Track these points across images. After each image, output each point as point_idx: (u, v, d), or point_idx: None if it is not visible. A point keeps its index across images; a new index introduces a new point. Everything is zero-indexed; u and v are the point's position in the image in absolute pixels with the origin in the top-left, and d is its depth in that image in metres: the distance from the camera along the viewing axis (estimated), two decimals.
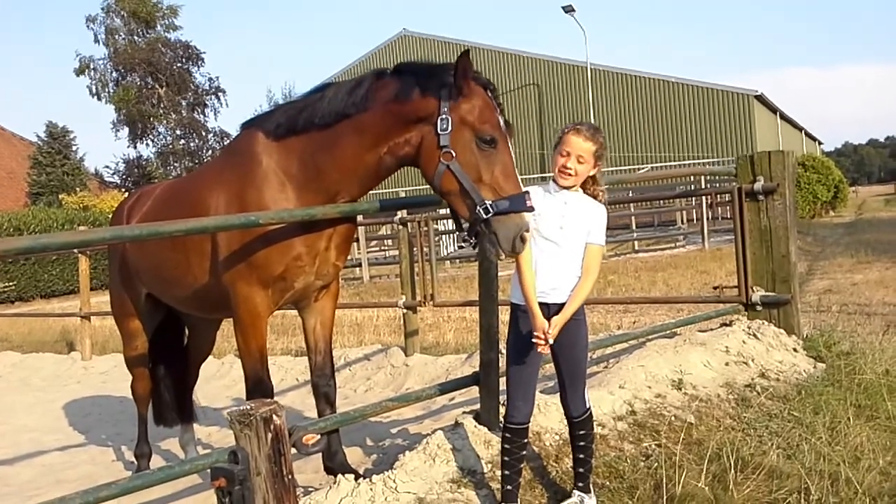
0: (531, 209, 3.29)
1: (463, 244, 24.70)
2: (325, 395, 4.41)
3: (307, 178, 3.88)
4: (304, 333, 4.49)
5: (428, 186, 3.64)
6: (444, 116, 3.43)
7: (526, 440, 3.51)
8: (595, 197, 3.44)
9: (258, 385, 4.21)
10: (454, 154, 3.41)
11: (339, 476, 3.63)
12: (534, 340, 3.28)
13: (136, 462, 5.46)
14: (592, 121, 33.63)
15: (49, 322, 15.55)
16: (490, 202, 3.29)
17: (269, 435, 2.13)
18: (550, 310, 3.34)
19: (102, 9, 46.09)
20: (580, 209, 3.37)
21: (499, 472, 3.75)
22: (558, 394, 3.64)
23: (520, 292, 3.40)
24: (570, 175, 3.33)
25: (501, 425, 3.56)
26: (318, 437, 3.43)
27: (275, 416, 2.15)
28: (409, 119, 3.57)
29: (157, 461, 5.61)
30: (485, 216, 3.29)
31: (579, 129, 3.36)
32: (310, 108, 3.84)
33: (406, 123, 3.58)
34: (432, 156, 3.49)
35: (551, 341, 3.28)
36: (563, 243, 3.33)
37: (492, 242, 3.31)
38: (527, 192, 3.33)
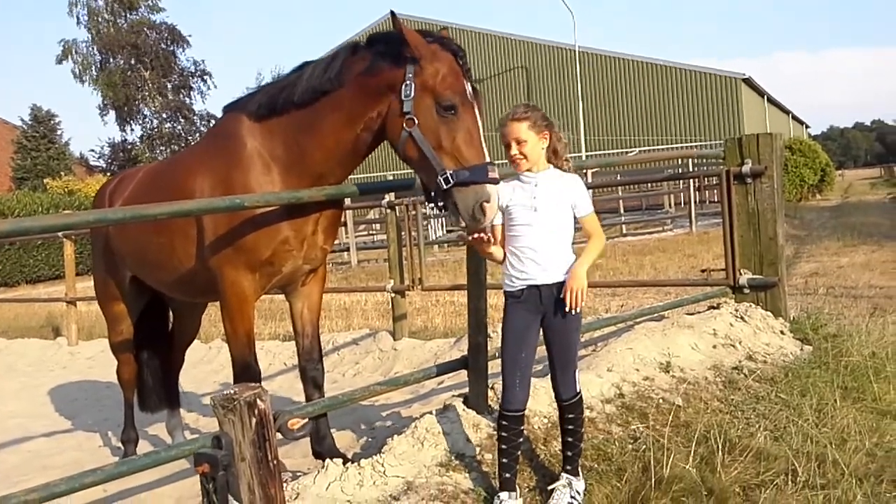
0: (495, 181, 3.23)
1: (452, 228, 24.72)
2: (312, 379, 4.38)
3: (291, 160, 3.84)
4: (292, 318, 4.46)
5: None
6: (407, 83, 3.37)
7: (522, 427, 3.49)
8: (560, 169, 3.43)
9: (246, 370, 4.19)
10: (416, 121, 3.35)
11: (328, 460, 3.62)
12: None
13: (122, 447, 5.43)
14: (581, 104, 33.76)
15: (35, 307, 15.44)
16: (451, 172, 3.24)
17: (254, 420, 2.09)
18: (542, 292, 3.33)
19: None
20: (553, 187, 3.35)
21: (487, 456, 3.76)
22: (547, 377, 3.63)
23: (511, 280, 3.38)
24: (519, 160, 3.33)
25: (497, 413, 3.54)
26: (304, 421, 3.41)
27: (259, 401, 2.11)
28: (381, 90, 3.50)
29: (143, 446, 5.58)
30: (445, 186, 3.23)
31: (505, 117, 3.34)
32: (289, 88, 3.79)
33: (378, 95, 3.52)
34: (396, 123, 3.43)
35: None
36: (541, 224, 3.31)
37: (452, 213, 3.28)
38: (490, 164, 3.27)
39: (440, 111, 3.33)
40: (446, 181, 3.23)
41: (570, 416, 3.49)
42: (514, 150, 3.31)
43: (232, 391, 2.13)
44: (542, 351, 3.54)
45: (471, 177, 3.21)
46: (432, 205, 3.43)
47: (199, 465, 2.15)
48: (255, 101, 3.93)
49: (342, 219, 4.55)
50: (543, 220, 3.31)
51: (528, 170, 3.34)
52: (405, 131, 3.38)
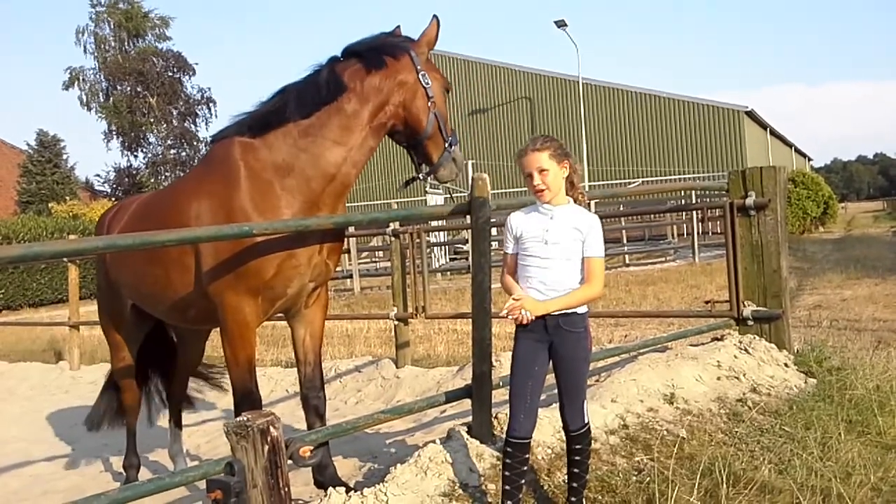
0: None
1: (456, 256, 24.74)
2: (314, 407, 4.37)
3: (297, 169, 3.89)
4: (294, 345, 4.46)
5: (421, 199, 3.72)
6: (423, 73, 4.02)
7: (527, 455, 3.47)
8: (576, 200, 3.45)
9: (246, 396, 4.16)
10: (436, 103, 4.04)
11: (330, 489, 3.60)
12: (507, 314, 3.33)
13: (124, 473, 5.42)
14: (584, 135, 33.95)
15: (37, 331, 15.44)
16: (451, 137, 4.12)
17: (266, 447, 2.11)
18: (547, 322, 3.33)
19: (91, 18, 46.25)
20: (568, 222, 3.35)
21: (491, 486, 3.74)
22: (552, 407, 3.63)
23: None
24: (542, 191, 3.34)
25: (503, 440, 3.53)
26: (314, 448, 3.40)
27: (272, 428, 2.13)
28: (390, 85, 3.96)
29: (145, 473, 5.57)
30: (451, 149, 4.10)
31: (525, 147, 3.40)
32: (279, 107, 3.95)
33: (388, 90, 3.96)
34: (425, 106, 4.03)
35: (528, 317, 3.28)
36: (550, 257, 3.32)
37: (451, 168, 4.10)
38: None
39: (444, 92, 4.14)
40: (450, 145, 4.09)
41: (578, 446, 3.47)
42: (538, 181, 3.32)
43: (245, 418, 2.14)
44: (550, 380, 3.54)
45: (454, 140, 4.15)
46: (426, 179, 4.24)
47: (212, 491, 2.16)
48: (243, 125, 4.04)
49: (345, 245, 4.63)
50: (554, 253, 3.31)
51: (548, 201, 3.35)
52: (431, 112, 4.03)
